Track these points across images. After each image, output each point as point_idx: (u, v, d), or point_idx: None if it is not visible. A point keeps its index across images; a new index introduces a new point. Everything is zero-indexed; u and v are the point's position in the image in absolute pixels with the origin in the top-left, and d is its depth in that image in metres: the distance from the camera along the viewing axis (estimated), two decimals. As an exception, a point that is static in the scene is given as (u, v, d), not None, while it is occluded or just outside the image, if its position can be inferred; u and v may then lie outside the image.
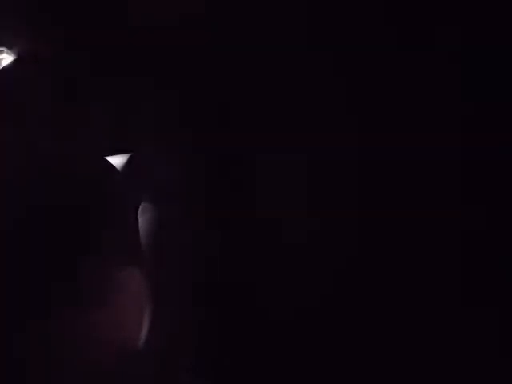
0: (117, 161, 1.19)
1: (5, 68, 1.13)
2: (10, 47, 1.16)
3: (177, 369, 1.16)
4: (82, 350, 0.97)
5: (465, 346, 1.02)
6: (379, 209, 1.09)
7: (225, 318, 1.22)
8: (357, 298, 1.11)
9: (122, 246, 1.07)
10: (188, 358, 1.19)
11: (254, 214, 1.23)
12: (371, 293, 1.11)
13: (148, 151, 1.27)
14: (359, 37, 1.12)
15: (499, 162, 1.01)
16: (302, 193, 1.19)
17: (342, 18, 1.15)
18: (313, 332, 1.15)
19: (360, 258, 1.11)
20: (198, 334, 1.22)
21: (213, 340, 1.22)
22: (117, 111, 1.27)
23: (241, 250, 1.24)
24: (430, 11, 1.05)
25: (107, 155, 1.19)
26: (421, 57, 1.08)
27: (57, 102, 1.13)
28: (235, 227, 1.25)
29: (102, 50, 1.28)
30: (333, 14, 1.14)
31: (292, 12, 1.18)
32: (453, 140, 1.04)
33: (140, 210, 1.20)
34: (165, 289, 1.18)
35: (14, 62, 1.15)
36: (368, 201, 1.11)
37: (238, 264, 1.23)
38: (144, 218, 1.19)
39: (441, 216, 1.05)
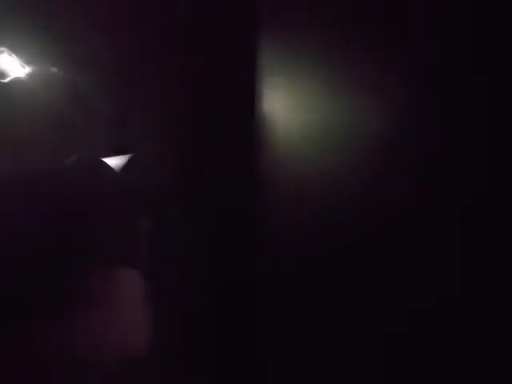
0: (117, 161, 1.19)
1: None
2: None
3: (177, 369, 1.17)
4: (83, 349, 0.97)
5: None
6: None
7: (224, 317, 1.23)
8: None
9: (122, 247, 1.07)
10: (188, 358, 1.20)
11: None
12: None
13: (148, 151, 1.27)
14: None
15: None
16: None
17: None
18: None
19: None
20: (198, 333, 1.22)
21: (213, 339, 1.22)
22: (117, 111, 1.27)
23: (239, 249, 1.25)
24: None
25: (107, 155, 1.19)
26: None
27: (59, 103, 1.13)
28: (234, 226, 1.25)
29: (103, 52, 1.28)
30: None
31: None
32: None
33: (140, 210, 1.20)
34: (165, 289, 1.18)
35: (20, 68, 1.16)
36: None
37: (237, 263, 1.23)
38: (144, 218, 1.20)
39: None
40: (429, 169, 1.06)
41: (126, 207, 1.13)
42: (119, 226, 1.08)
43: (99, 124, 1.21)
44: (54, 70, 1.15)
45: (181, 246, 1.24)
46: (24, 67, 1.18)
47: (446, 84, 1.04)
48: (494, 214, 0.98)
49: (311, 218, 1.17)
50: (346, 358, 1.11)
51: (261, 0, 1.24)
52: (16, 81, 1.11)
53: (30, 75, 1.14)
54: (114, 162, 1.19)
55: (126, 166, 1.19)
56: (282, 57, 1.22)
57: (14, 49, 1.20)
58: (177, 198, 1.25)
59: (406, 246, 1.06)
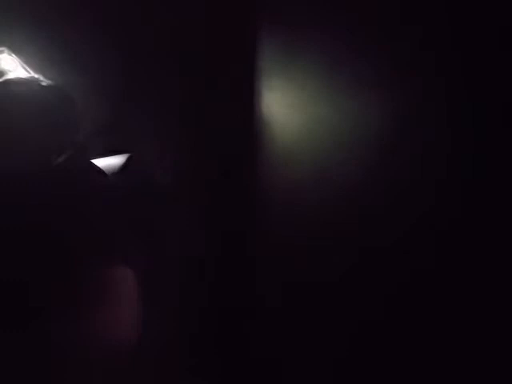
0: (115, 161, 1.19)
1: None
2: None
3: (174, 368, 1.17)
4: (80, 348, 0.97)
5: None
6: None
7: (223, 316, 1.23)
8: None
9: (120, 246, 1.07)
10: (184, 356, 1.19)
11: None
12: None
13: (147, 151, 1.27)
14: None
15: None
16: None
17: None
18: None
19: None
20: (197, 333, 1.22)
21: (210, 338, 1.22)
22: (117, 111, 1.27)
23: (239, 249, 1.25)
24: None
25: (107, 155, 1.19)
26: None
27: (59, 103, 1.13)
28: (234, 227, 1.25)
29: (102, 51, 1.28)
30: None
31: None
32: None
33: (139, 210, 1.20)
34: (162, 288, 1.18)
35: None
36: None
37: (237, 263, 1.23)
38: (142, 216, 1.20)
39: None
40: (428, 168, 1.06)
41: (126, 207, 1.13)
42: (118, 225, 1.08)
43: (98, 123, 1.21)
44: (52, 68, 1.15)
45: (181, 246, 1.24)
46: (23, 67, 1.18)
47: (446, 83, 1.04)
48: (494, 214, 0.98)
49: (310, 217, 1.17)
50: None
51: (261, 0, 1.24)
52: (13, 80, 1.11)
53: (27, 74, 1.14)
54: (114, 161, 1.19)
55: (126, 166, 1.19)
56: (281, 57, 1.22)
57: (14, 49, 1.20)
58: (177, 198, 1.25)
59: (405, 245, 1.06)
